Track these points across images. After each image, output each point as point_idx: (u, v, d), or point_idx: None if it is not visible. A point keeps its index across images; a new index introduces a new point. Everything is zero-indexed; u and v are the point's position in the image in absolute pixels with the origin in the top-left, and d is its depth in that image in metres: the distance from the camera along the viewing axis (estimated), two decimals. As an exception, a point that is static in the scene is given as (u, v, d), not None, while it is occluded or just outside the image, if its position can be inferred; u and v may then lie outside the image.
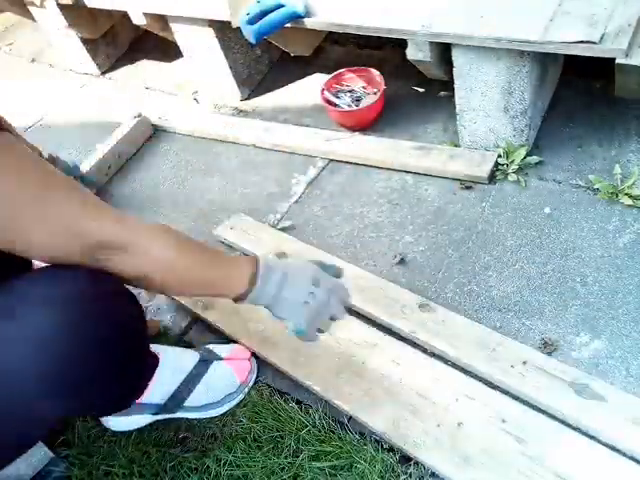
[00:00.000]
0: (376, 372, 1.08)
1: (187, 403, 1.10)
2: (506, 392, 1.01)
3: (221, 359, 1.14)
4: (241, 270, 0.86)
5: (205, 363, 1.12)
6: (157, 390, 1.07)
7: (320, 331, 0.94)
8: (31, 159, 0.73)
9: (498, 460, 0.92)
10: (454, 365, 1.07)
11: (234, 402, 1.13)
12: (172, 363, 1.09)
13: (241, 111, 1.84)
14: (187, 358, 1.12)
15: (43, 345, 0.73)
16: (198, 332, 1.30)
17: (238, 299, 0.88)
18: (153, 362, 1.07)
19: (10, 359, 0.73)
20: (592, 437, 0.93)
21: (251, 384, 1.15)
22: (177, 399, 1.09)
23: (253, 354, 1.18)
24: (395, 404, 1.03)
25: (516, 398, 1.00)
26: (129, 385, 0.95)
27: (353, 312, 1.19)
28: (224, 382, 1.12)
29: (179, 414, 1.12)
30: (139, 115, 1.83)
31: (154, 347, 1.10)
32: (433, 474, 0.97)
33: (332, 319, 0.94)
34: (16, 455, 0.87)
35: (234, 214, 1.50)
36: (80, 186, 0.79)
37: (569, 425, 0.95)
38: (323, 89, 1.66)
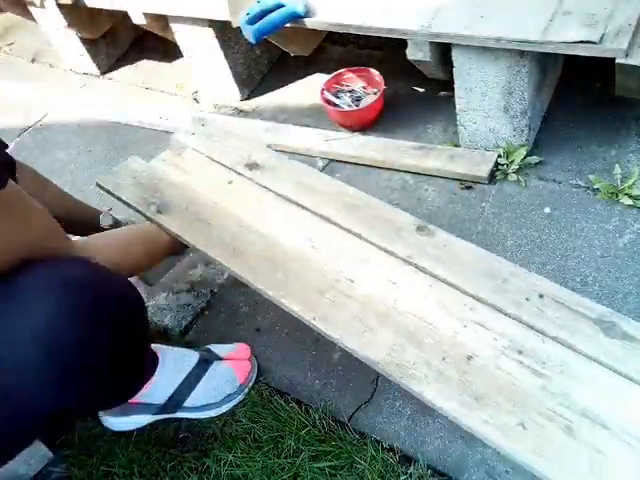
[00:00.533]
0: (368, 292, 0.94)
1: (187, 403, 1.10)
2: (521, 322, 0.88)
3: (221, 359, 1.14)
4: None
5: (205, 363, 1.12)
6: (157, 390, 1.07)
7: None
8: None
9: (515, 399, 0.79)
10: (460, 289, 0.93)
11: (234, 402, 1.13)
12: (172, 363, 1.09)
13: (241, 111, 1.84)
14: (187, 358, 1.12)
15: (42, 332, 0.73)
16: (198, 332, 1.30)
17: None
18: (153, 360, 1.07)
19: (8, 347, 0.73)
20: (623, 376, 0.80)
21: (251, 384, 1.15)
22: (177, 399, 1.09)
23: (253, 354, 1.19)
24: (391, 330, 0.88)
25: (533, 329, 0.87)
26: (128, 376, 0.93)
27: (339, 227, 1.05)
28: (224, 382, 1.12)
29: (179, 414, 1.12)
30: None
31: (154, 347, 1.10)
32: (434, 474, 0.97)
33: None
34: (14, 451, 0.87)
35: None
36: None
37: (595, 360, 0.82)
38: (323, 89, 1.66)
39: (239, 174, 1.17)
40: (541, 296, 0.89)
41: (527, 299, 0.89)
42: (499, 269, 0.94)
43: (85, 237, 1.03)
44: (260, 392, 1.13)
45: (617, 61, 1.09)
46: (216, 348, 1.17)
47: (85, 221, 1.24)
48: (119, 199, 1.18)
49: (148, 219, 1.14)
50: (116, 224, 1.22)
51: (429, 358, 0.85)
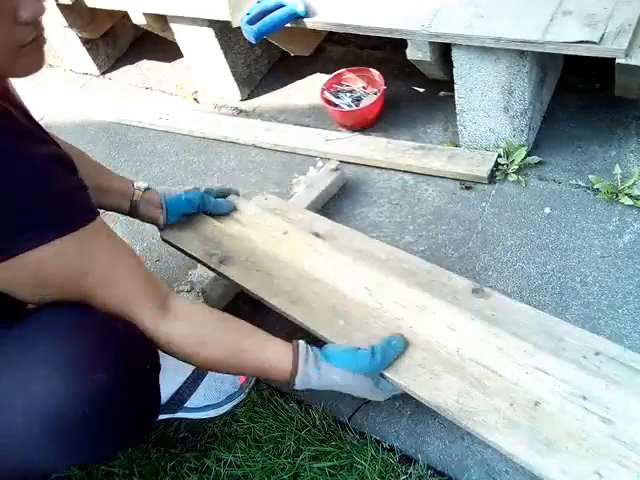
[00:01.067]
0: (429, 339, 0.95)
1: (188, 404, 1.10)
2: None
3: (222, 359, 1.14)
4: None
5: (206, 364, 1.12)
6: (158, 390, 1.07)
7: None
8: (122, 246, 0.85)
9: (586, 445, 0.79)
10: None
11: (235, 402, 1.13)
12: (174, 364, 1.08)
13: (241, 111, 1.84)
14: (188, 358, 1.12)
15: (51, 404, 0.72)
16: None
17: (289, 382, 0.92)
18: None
19: (20, 418, 0.72)
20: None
21: (252, 385, 1.15)
22: (178, 400, 1.09)
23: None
24: (456, 377, 0.89)
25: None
26: (142, 428, 0.93)
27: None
28: (225, 383, 1.12)
29: (180, 414, 1.12)
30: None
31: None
32: (434, 474, 0.97)
33: None
34: None
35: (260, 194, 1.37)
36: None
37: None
38: (323, 89, 1.66)
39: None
40: (597, 354, 0.90)
41: (584, 357, 0.90)
42: (555, 328, 0.95)
43: (192, 304, 1.01)
44: (260, 392, 1.13)
45: (617, 61, 1.09)
46: (217, 348, 1.17)
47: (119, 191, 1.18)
48: (182, 251, 1.21)
49: (211, 270, 1.17)
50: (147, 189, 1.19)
51: (497, 404, 0.85)
